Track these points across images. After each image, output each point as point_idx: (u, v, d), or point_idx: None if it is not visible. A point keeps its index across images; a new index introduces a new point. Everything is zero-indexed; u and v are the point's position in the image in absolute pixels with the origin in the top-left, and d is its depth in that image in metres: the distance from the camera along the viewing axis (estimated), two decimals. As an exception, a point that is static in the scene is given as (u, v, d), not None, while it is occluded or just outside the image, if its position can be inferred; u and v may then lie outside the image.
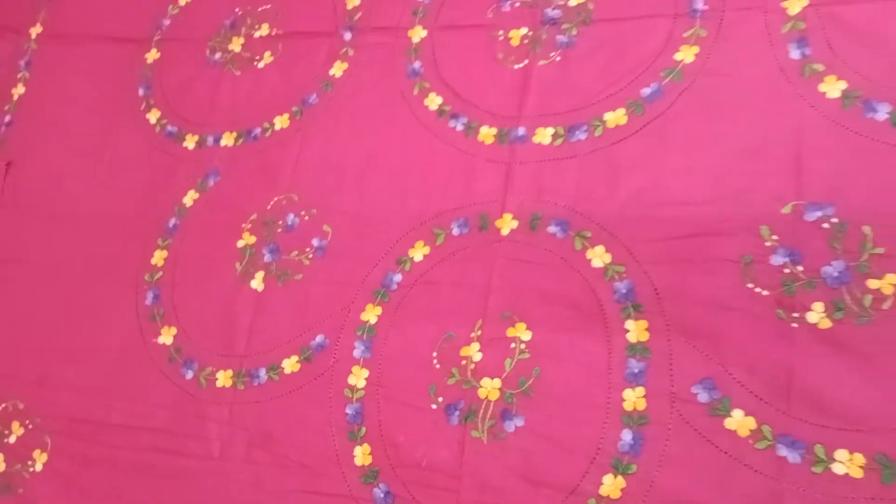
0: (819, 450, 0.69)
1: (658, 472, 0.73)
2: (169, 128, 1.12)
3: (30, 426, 0.99)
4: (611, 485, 0.74)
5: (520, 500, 0.77)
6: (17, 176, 1.18)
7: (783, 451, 0.70)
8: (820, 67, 0.81)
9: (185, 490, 0.89)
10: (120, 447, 0.94)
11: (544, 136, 0.90)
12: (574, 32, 0.94)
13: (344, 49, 1.05)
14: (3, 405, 1.02)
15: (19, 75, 1.25)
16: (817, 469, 0.68)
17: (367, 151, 0.98)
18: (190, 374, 0.95)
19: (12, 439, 0.99)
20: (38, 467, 0.97)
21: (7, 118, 1.23)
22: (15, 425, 1.00)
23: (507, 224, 0.88)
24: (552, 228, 0.86)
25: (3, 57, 1.27)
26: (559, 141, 0.89)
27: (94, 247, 1.07)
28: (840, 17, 0.82)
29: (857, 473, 0.67)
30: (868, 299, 0.71)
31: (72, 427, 0.98)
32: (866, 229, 0.74)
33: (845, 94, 0.79)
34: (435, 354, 0.85)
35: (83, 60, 1.22)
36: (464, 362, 0.83)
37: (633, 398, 0.76)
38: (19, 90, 1.24)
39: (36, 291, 1.08)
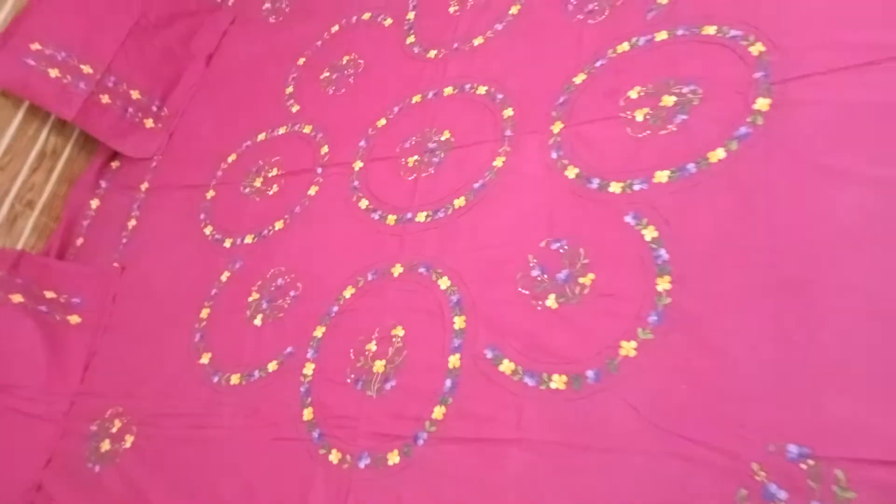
0: (545, 376, 1.16)
1: (464, 402, 1.21)
2: (216, 236, 1.77)
3: (125, 420, 1.58)
4: (438, 411, 1.22)
5: (389, 426, 1.25)
6: (127, 275, 1.85)
7: (527, 380, 1.17)
8: (567, 162, 1.35)
9: (209, 446, 1.43)
10: (173, 427, 1.50)
11: (422, 216, 1.46)
12: (443, 155, 1.52)
13: (317, 178, 1.69)
14: (111, 409, 1.61)
15: (133, 214, 1.97)
16: (543, 387, 1.15)
17: (324, 236, 1.57)
18: (216, 379, 1.52)
19: (114, 429, 1.58)
20: (128, 445, 1.54)
21: (124, 240, 1.92)
22: (116, 421, 1.59)
23: (397, 270, 1.43)
24: (421, 270, 1.40)
25: (125, 204, 1.99)
26: (429, 219, 1.45)
27: (167, 311, 1.70)
28: (579, 133, 1.36)
29: (562, 386, 1.14)
30: (577, 289, 1.21)
31: (147, 419, 1.55)
32: (581, 251, 1.24)
33: (577, 175, 1.32)
34: (351, 350, 1.38)
35: (169, 201, 1.92)
36: (366, 353, 1.36)
37: (454, 361, 1.26)
38: (132, 223, 1.95)
39: (127, 343, 1.71)
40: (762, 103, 1.18)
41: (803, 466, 0.91)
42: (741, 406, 0.99)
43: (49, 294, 1.78)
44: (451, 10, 1.76)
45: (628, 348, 1.11)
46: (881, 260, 0.97)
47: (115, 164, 2.13)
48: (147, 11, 2.16)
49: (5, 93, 1.92)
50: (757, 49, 1.24)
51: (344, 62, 1.87)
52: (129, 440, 1.54)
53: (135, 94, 2.07)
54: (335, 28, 1.97)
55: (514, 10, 1.64)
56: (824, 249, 1.02)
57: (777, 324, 1.01)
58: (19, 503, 1.57)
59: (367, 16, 1.93)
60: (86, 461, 1.57)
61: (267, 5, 2.23)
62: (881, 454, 0.87)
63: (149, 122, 2.09)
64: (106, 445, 1.56)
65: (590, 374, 1.12)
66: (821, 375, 0.95)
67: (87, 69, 1.98)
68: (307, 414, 1.36)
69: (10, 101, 1.94)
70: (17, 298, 1.70)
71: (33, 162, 2.00)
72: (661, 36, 1.37)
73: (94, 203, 2.06)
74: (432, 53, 1.71)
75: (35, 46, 1.93)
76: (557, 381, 1.15)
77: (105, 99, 2.01)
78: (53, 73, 1.93)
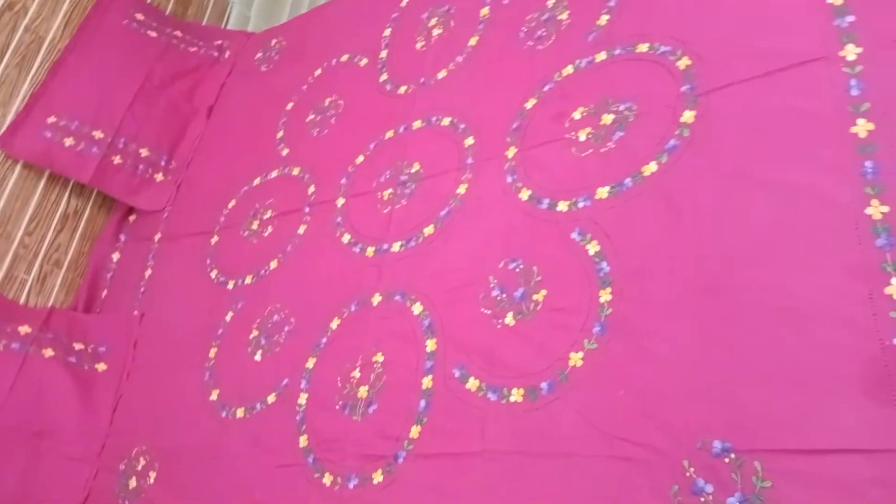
0: (505, 390, 1.24)
1: (436, 420, 1.30)
2: (221, 279, 1.90)
3: (148, 458, 1.72)
4: (415, 430, 1.31)
5: (373, 447, 1.35)
6: (145, 321, 2.00)
7: (490, 395, 1.25)
8: (521, 185, 1.43)
9: (221, 476, 1.55)
10: (190, 461, 1.63)
11: (396, 246, 1.56)
12: (413, 187, 1.62)
13: (305, 217, 1.80)
14: (137, 448, 1.75)
15: (149, 263, 2.12)
16: (504, 401, 1.23)
17: (313, 272, 1.68)
18: (224, 414, 1.64)
19: (139, 467, 1.72)
20: (152, 480, 1.68)
21: (142, 289, 2.08)
22: (141, 459, 1.73)
23: (376, 299, 1.53)
24: (397, 297, 1.50)
25: (142, 254, 2.15)
26: (403, 248, 1.55)
27: (180, 352, 1.83)
28: (531, 156, 1.44)
29: (520, 398, 1.21)
30: (532, 306, 1.28)
31: (168, 454, 1.69)
32: (535, 268, 1.32)
33: (530, 197, 1.40)
34: (338, 378, 1.48)
35: (179, 249, 2.07)
36: (352, 380, 1.46)
37: (427, 382, 1.35)
38: (148, 272, 2.10)
39: (148, 385, 1.85)
40: (688, 115, 1.24)
41: (726, 460, 0.97)
42: (673, 407, 1.06)
43: (77, 345, 1.94)
44: (419, 45, 1.86)
45: (576, 359, 1.18)
46: (790, 260, 1.03)
47: (131, 218, 2.29)
48: (152, 74, 2.32)
49: (28, 164, 2.10)
50: (684, 63, 1.30)
51: (326, 104, 1.98)
52: (152, 476, 1.68)
53: (144, 152, 2.23)
54: (318, 72, 2.10)
55: (472, 41, 1.73)
56: (740, 253, 1.08)
57: (701, 326, 1.07)
58: (62, 539, 1.72)
59: (345, 57, 2.05)
60: (117, 497, 1.71)
61: (259, 55, 2.37)
62: (791, 444, 0.93)
63: (159, 176, 2.25)
64: (133, 483, 1.70)
65: (543, 385, 1.20)
66: (739, 373, 1.01)
67: (98, 134, 2.15)
68: (302, 441, 1.47)
69: (32, 172, 2.12)
70: (48, 353, 1.86)
71: (58, 224, 2.18)
72: (601, 56, 1.44)
73: (116, 256, 2.22)
74: (402, 89, 1.81)
75: (51, 119, 2.11)
76: (516, 395, 1.23)
77: (117, 160, 2.17)
78: (68, 141, 2.11)
